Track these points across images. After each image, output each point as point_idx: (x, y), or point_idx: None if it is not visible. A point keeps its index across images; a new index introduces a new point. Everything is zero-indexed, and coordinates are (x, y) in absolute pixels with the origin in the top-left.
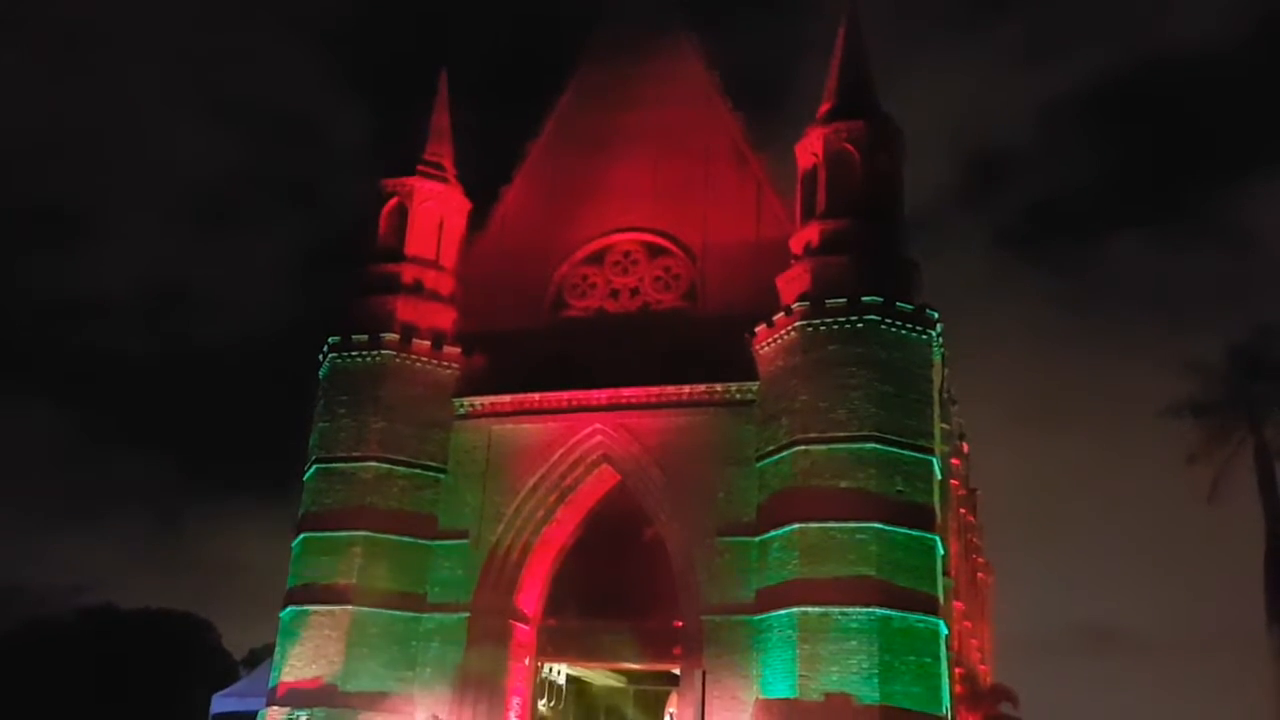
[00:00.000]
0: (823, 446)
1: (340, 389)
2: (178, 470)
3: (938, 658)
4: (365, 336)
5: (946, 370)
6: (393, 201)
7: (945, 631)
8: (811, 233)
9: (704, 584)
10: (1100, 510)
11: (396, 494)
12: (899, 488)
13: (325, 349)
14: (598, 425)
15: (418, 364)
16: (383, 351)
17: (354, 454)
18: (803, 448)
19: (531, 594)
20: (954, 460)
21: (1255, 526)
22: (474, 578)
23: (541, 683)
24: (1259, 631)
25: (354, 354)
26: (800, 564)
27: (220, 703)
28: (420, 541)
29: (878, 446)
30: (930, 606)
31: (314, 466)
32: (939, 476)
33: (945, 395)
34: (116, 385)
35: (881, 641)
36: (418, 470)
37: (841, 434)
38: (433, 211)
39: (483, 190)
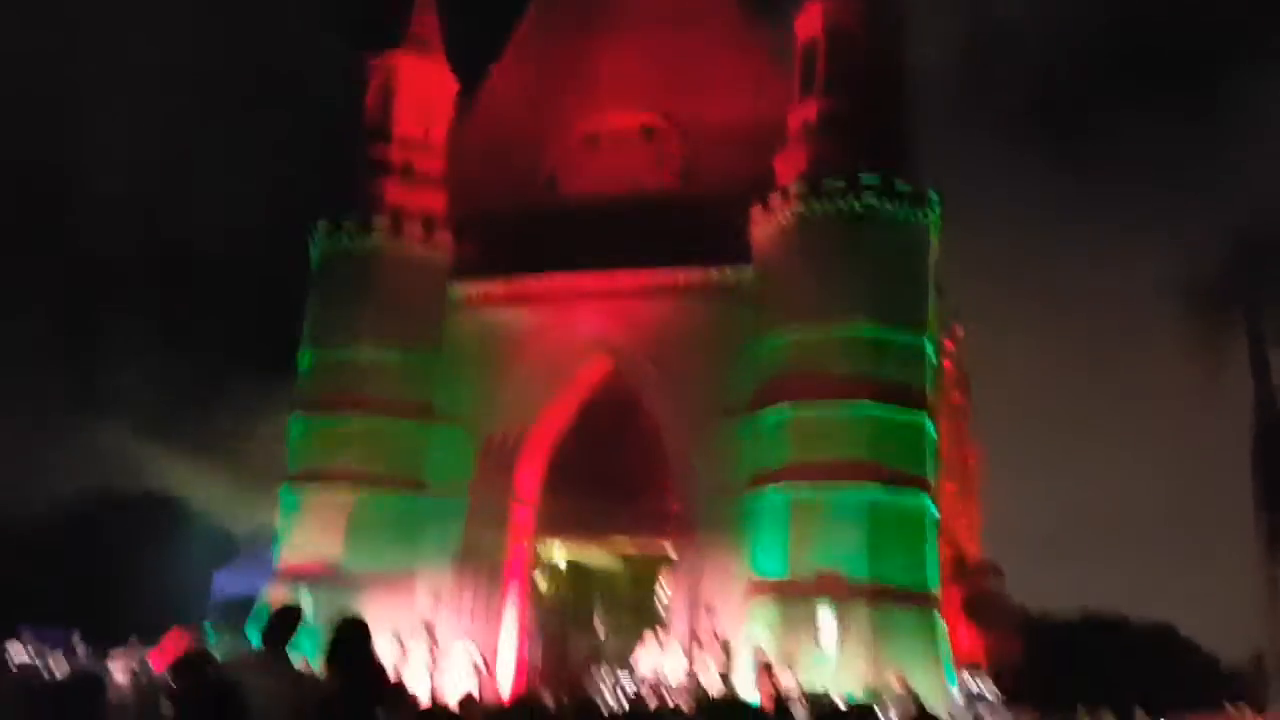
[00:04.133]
0: (816, 330)
1: (331, 275)
2: (174, 355)
3: (926, 536)
4: (355, 221)
5: (944, 252)
6: (379, 79)
7: (935, 512)
8: (809, 111)
9: (698, 467)
10: (1094, 394)
11: (391, 380)
12: (892, 371)
13: (315, 234)
14: (592, 311)
15: (409, 249)
16: (373, 236)
17: (348, 340)
18: (797, 331)
19: (529, 478)
20: (948, 343)
21: (1247, 410)
22: (471, 463)
23: (540, 564)
24: (1247, 514)
25: (344, 239)
26: (793, 446)
27: (223, 581)
28: (417, 425)
29: (872, 330)
30: (921, 487)
31: (308, 352)
32: (932, 359)
33: (942, 277)
34: (105, 276)
35: (872, 521)
36: (412, 356)
37: (836, 317)
38: (420, 90)
39: (471, 70)
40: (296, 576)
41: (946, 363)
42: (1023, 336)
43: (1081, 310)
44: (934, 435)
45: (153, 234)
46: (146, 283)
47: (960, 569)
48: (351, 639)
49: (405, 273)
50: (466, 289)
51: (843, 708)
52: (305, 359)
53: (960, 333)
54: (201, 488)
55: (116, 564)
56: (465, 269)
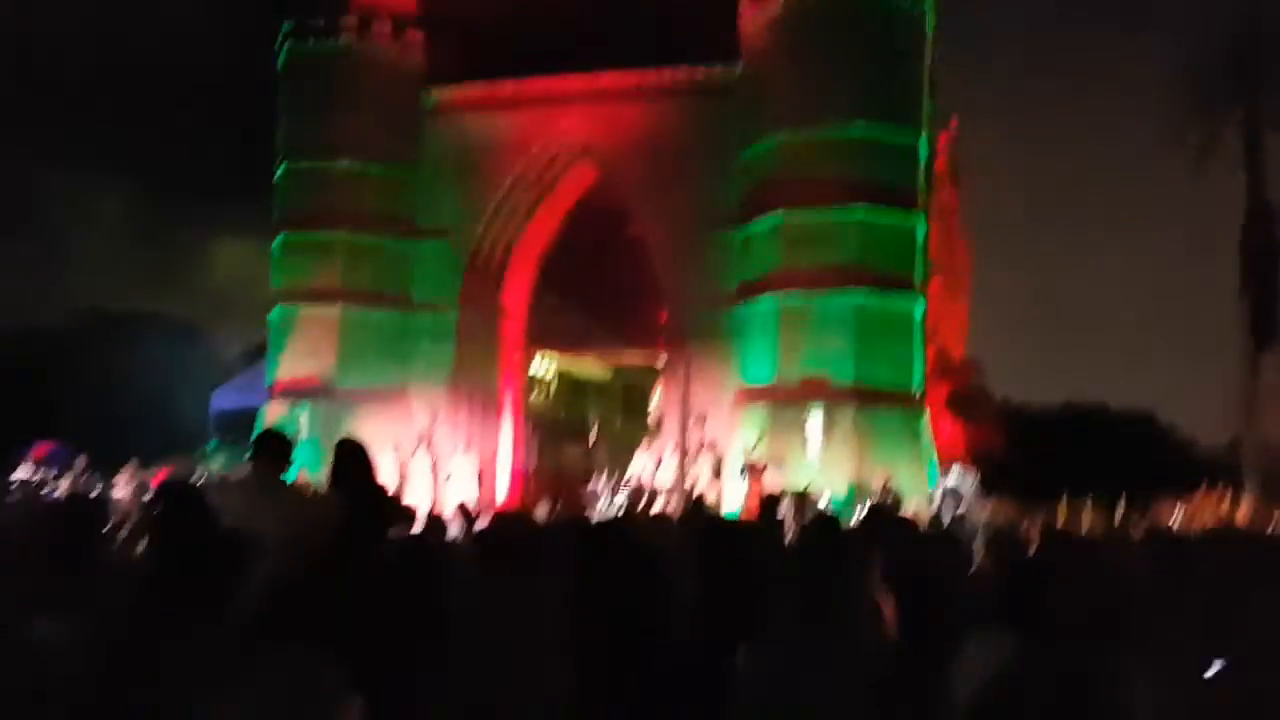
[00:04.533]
0: (807, 131)
1: (300, 82)
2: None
3: (912, 337)
4: (320, 21)
5: (939, 45)
6: None
7: (921, 312)
8: None
9: (687, 277)
10: (1083, 185)
11: (370, 193)
12: (885, 171)
13: (280, 38)
14: (576, 116)
15: (379, 52)
16: (341, 38)
17: (322, 152)
18: (787, 133)
19: (517, 292)
20: (941, 139)
21: (1235, 199)
22: (458, 277)
23: (532, 377)
24: (1229, 302)
25: (310, 42)
26: (782, 254)
27: (220, 399)
28: (401, 241)
29: (864, 128)
30: (908, 288)
31: (283, 166)
32: (925, 157)
33: (937, 71)
34: (64, 97)
35: (859, 325)
36: (391, 168)
37: (827, 116)
38: None
39: None
40: (292, 394)
41: (939, 160)
42: (1014, 129)
43: (1074, 104)
44: (925, 236)
45: (116, 43)
46: (115, 94)
47: (945, 366)
48: (355, 460)
49: (377, 77)
50: (443, 95)
51: (822, 504)
52: (280, 172)
53: (955, 125)
54: (193, 307)
55: (113, 386)
56: (441, 73)
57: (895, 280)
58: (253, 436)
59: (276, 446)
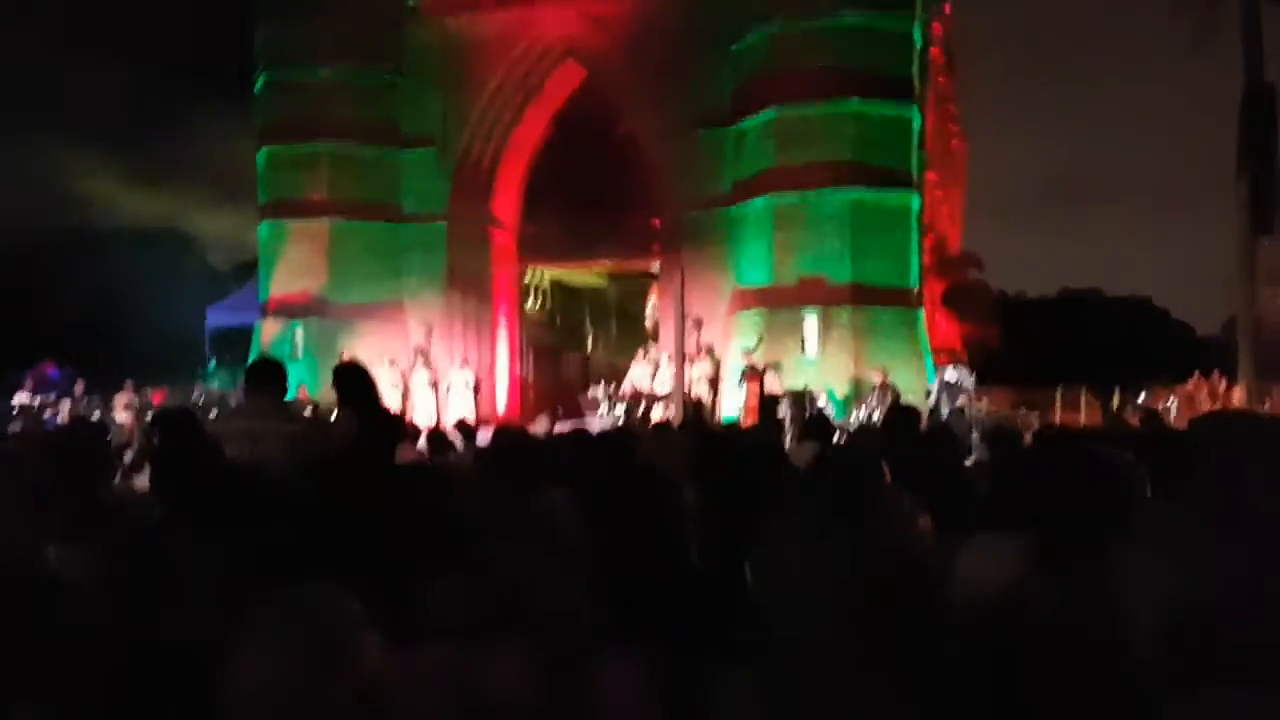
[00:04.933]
0: (798, 22)
1: None
2: (129, 79)
3: (909, 232)
4: None
5: None
6: None
7: (917, 206)
8: None
9: (680, 179)
10: (1079, 65)
11: (353, 102)
12: (879, 62)
13: None
14: (560, 14)
15: None
16: None
17: (301, 60)
18: (779, 25)
19: (507, 200)
20: (935, 25)
21: (1231, 78)
22: (447, 186)
23: (526, 286)
24: (1228, 182)
25: None
26: (776, 152)
27: (215, 315)
28: (386, 150)
29: (856, 17)
30: (904, 182)
31: (262, 76)
32: (919, 45)
33: None
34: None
35: (854, 222)
36: (373, 75)
37: (818, 4)
38: None
39: None
40: (284, 310)
41: (934, 48)
42: (1009, 11)
43: None
44: (921, 127)
45: None
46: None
47: (942, 260)
48: (358, 382)
49: None
50: None
51: (821, 403)
52: (260, 82)
53: (949, 10)
54: (183, 221)
55: (105, 304)
56: None
57: (891, 175)
58: (249, 357)
59: (271, 372)
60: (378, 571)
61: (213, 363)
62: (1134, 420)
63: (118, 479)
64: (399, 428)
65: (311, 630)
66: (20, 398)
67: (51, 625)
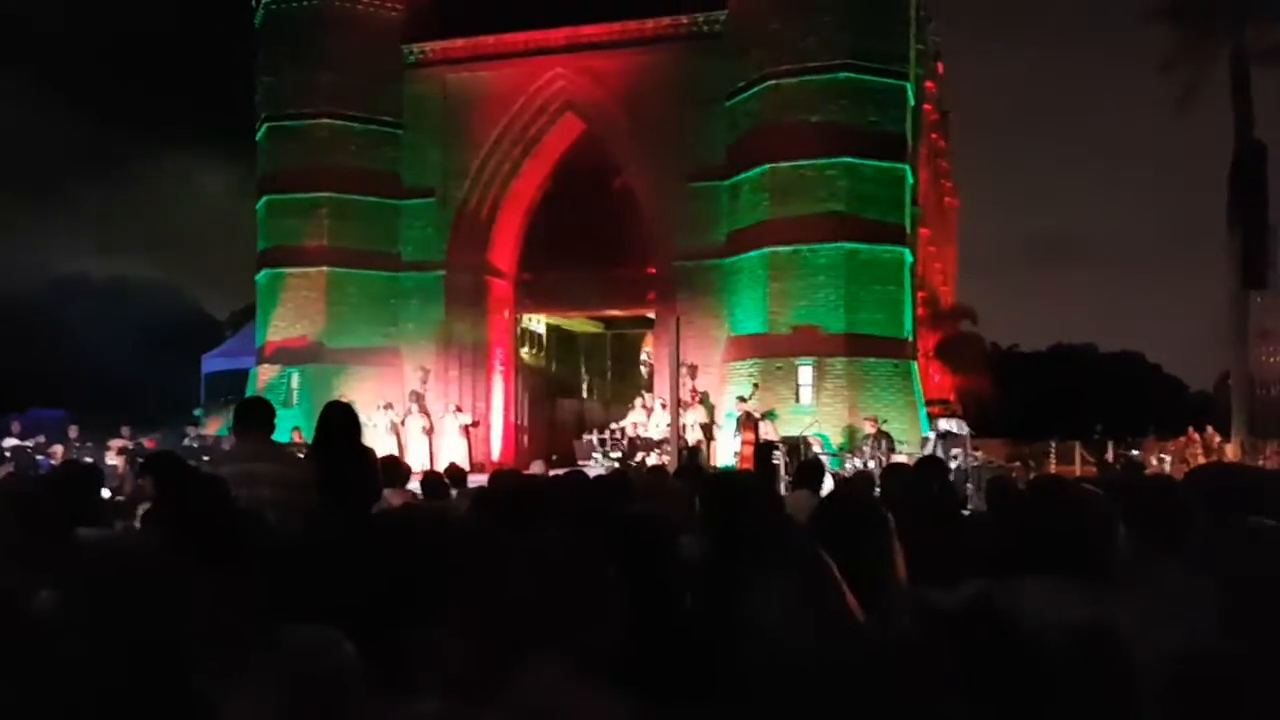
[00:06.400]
0: (793, 79)
1: (278, 38)
2: (126, 132)
3: (902, 285)
4: None
5: None
6: None
7: (910, 260)
8: None
9: (675, 230)
10: (1069, 124)
11: (354, 152)
12: (871, 117)
13: None
14: (559, 69)
15: (358, 6)
16: None
17: (303, 110)
18: (773, 82)
19: (505, 249)
20: (928, 84)
21: (1220, 137)
22: (445, 235)
23: (522, 333)
24: (1219, 238)
25: None
26: (770, 204)
27: (210, 363)
28: (386, 201)
29: (850, 75)
30: (897, 237)
31: (264, 125)
32: (912, 103)
33: (921, 13)
34: (36, 53)
35: (848, 274)
36: (373, 126)
37: (813, 63)
38: None
39: None
40: (281, 355)
41: (927, 105)
42: (1002, 67)
43: (1062, 41)
44: (913, 183)
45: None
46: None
47: (934, 313)
48: (336, 423)
49: (355, 32)
50: (424, 50)
51: (816, 448)
52: (262, 132)
53: (941, 70)
54: (177, 271)
55: (100, 353)
56: (421, 28)
57: (885, 229)
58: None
59: (260, 412)
60: (368, 619)
61: (199, 411)
62: (1124, 473)
63: (113, 523)
64: (379, 470)
65: (308, 676)
66: (9, 441)
67: (40, 670)
